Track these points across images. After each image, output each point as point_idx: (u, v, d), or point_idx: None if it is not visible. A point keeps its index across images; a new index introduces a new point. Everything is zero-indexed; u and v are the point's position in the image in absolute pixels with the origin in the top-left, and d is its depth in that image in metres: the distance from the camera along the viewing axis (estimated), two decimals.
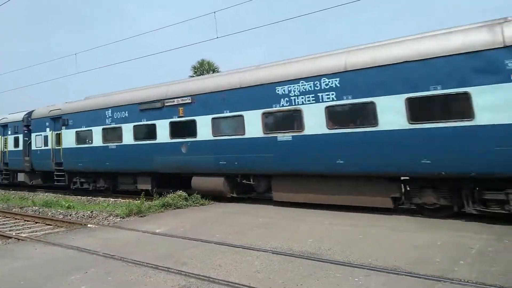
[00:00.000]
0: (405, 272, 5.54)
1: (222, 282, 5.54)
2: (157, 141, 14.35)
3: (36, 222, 12.24)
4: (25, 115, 21.18)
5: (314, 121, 10.52)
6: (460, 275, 5.32)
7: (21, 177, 21.68)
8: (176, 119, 13.80)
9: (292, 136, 10.97)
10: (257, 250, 7.08)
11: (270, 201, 12.12)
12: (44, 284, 5.96)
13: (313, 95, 10.57)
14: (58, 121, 18.74)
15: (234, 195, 12.97)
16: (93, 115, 16.84)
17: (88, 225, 10.75)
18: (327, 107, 10.32)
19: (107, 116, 16.12)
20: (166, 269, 6.27)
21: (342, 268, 5.92)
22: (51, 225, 11.67)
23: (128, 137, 15.35)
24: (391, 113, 9.25)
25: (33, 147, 20.25)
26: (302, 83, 10.75)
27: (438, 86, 8.60)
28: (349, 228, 8.49)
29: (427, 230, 7.92)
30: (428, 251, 6.51)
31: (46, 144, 19.44)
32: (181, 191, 13.31)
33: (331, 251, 6.80)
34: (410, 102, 9.01)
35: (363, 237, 7.71)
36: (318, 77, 10.49)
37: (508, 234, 7.28)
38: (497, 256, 6.07)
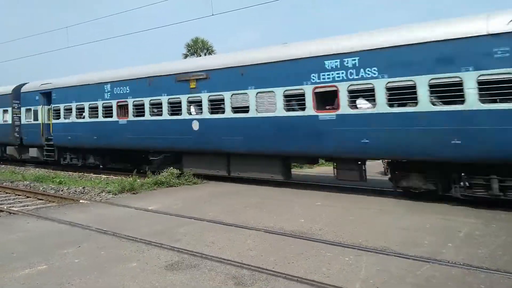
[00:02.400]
0: (395, 253, 5.66)
1: (215, 258, 5.61)
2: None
3: (28, 197, 12.19)
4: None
5: None
6: (447, 257, 5.45)
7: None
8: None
9: None
10: (250, 229, 7.16)
11: (263, 182, 12.20)
12: (37, 256, 5.98)
13: None
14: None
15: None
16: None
17: (80, 201, 10.73)
18: None
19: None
20: (159, 245, 6.32)
21: (333, 247, 6.02)
22: (42, 199, 11.64)
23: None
24: None
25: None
26: None
27: None
28: (341, 210, 8.61)
29: (417, 213, 8.06)
30: (417, 233, 6.65)
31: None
32: (173, 169, 13.29)
33: (322, 231, 6.91)
34: None
35: (354, 218, 7.83)
36: None
37: (495, 219, 7.44)
38: (484, 239, 6.22)
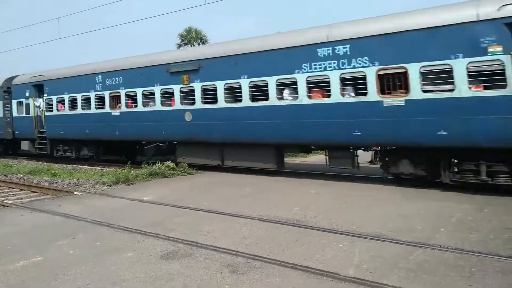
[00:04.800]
0: (388, 239, 5.72)
1: (210, 247, 5.64)
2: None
3: (21, 189, 12.12)
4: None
5: None
6: (440, 241, 5.52)
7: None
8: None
9: None
10: (245, 218, 7.19)
11: (257, 171, 12.22)
12: (32, 249, 5.97)
13: None
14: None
15: None
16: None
17: (75, 193, 10.70)
18: None
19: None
20: (154, 235, 6.34)
21: (327, 234, 6.07)
22: (36, 192, 11.58)
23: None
24: None
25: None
26: None
27: None
28: (335, 198, 8.66)
29: (410, 200, 8.13)
30: (410, 219, 6.71)
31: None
32: (169, 162, 13.26)
33: (317, 218, 6.96)
34: None
35: (348, 206, 7.89)
36: None
37: (488, 204, 7.53)
38: (476, 224, 6.30)
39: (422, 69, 8.72)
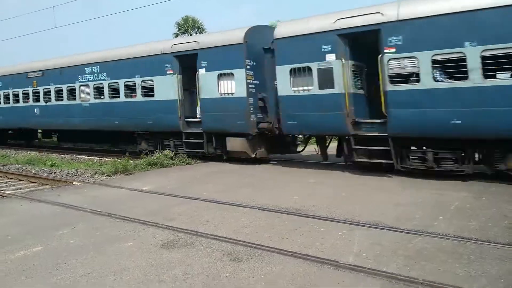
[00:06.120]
0: (387, 227, 5.75)
1: (210, 236, 5.67)
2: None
3: (20, 180, 12.12)
4: None
5: None
6: (438, 229, 5.56)
7: None
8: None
9: None
10: (244, 207, 7.22)
11: (255, 161, 12.23)
12: (32, 238, 5.98)
13: None
14: None
15: None
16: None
17: (74, 183, 10.70)
18: None
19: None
20: (154, 224, 6.36)
21: (326, 223, 6.11)
22: (35, 182, 11.58)
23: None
24: None
25: None
26: None
27: None
28: (334, 187, 8.69)
29: (409, 189, 8.16)
30: (409, 208, 6.75)
31: None
32: (167, 151, 13.28)
33: (316, 207, 6.98)
34: None
35: (347, 195, 7.92)
36: None
37: (486, 192, 7.58)
38: (474, 212, 6.34)
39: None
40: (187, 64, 13.08)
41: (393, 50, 8.93)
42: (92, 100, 15.78)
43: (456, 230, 5.48)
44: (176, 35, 34.21)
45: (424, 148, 8.98)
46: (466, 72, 8.13)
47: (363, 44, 9.99)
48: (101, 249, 5.41)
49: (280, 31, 10.87)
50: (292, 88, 10.61)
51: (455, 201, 7.00)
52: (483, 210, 6.44)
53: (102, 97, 15.46)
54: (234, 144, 12.23)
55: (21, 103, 19.25)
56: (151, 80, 13.70)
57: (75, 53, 17.63)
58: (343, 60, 9.76)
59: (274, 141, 12.29)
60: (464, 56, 8.11)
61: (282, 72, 10.77)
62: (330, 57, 9.83)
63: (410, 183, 8.64)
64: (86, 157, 16.43)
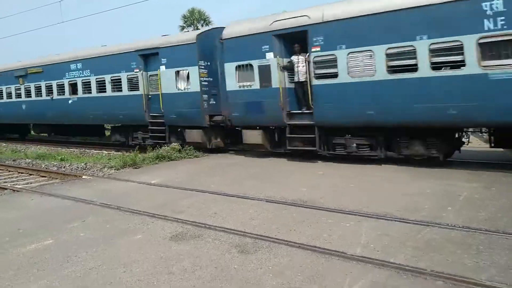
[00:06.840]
0: (395, 218, 5.73)
1: (218, 228, 5.71)
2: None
3: (30, 174, 12.28)
4: None
5: None
6: (447, 220, 5.53)
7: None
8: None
9: None
10: (251, 199, 7.24)
11: (262, 153, 12.24)
12: (43, 232, 6.08)
13: None
14: None
15: None
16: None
17: (83, 177, 10.82)
18: None
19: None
20: (163, 217, 6.41)
21: (334, 214, 6.10)
22: (45, 176, 11.73)
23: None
24: None
25: None
26: None
27: None
28: (341, 178, 8.67)
29: (417, 179, 8.11)
30: (417, 198, 6.71)
31: None
32: (175, 144, 13.35)
33: (324, 199, 6.98)
34: None
35: (355, 186, 7.90)
36: None
37: (495, 182, 7.50)
38: (483, 203, 6.28)
39: None
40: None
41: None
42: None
43: (465, 221, 5.44)
44: (182, 28, 34.19)
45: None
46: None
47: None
48: (111, 241, 5.48)
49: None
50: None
51: (464, 192, 6.94)
52: (493, 200, 6.38)
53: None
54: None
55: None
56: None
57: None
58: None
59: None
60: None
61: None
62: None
63: (417, 174, 8.56)
64: (95, 151, 16.58)
